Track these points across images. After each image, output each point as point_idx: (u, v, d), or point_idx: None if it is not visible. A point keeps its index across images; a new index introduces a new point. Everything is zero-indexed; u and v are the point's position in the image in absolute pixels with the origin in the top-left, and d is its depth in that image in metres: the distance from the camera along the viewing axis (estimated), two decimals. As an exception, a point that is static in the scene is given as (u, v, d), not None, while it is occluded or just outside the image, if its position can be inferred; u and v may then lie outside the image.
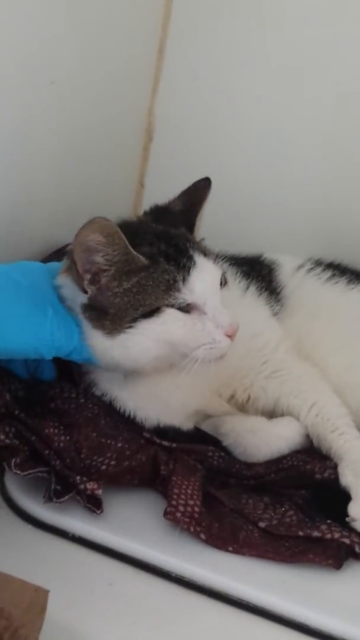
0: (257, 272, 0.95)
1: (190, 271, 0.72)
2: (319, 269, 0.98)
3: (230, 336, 0.72)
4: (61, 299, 0.74)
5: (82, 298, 0.72)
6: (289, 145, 1.16)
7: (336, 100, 1.11)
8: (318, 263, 0.99)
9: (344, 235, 1.14)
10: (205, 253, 0.75)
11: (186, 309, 0.71)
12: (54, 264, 0.79)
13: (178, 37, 1.17)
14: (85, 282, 0.71)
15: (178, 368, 0.74)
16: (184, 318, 0.71)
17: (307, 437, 0.82)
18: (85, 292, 0.72)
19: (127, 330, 0.70)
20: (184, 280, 0.71)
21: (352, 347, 0.88)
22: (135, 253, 0.71)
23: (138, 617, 0.64)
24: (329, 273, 0.97)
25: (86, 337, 0.73)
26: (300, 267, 0.98)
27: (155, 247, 0.73)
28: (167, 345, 0.71)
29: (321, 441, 0.81)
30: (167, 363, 0.75)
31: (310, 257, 1.00)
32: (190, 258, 0.73)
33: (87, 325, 0.72)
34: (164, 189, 0.83)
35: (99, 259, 0.70)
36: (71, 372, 0.83)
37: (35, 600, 0.54)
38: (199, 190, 0.81)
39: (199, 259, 0.73)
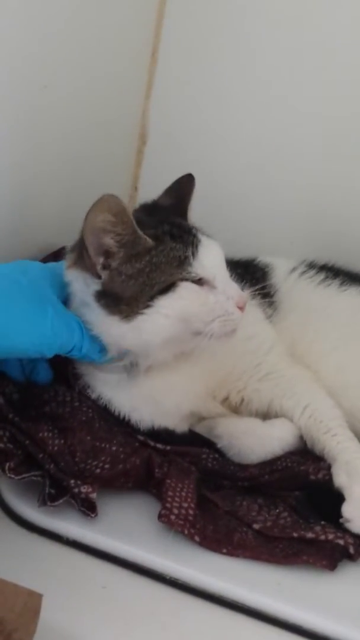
0: (250, 274, 0.95)
1: (198, 247, 0.73)
2: (312, 272, 0.98)
3: (241, 308, 0.73)
4: (71, 295, 0.74)
5: (96, 285, 0.72)
6: (282, 148, 1.16)
7: (329, 105, 1.12)
8: (311, 265, 0.99)
9: (338, 237, 1.14)
10: (206, 234, 0.77)
11: (198, 283, 0.72)
12: (52, 264, 0.79)
13: (171, 41, 1.17)
14: (99, 267, 0.71)
15: (176, 366, 0.75)
16: (199, 290, 0.72)
17: (301, 438, 0.82)
18: (99, 277, 0.72)
19: (145, 310, 0.70)
20: (193, 255, 0.72)
21: (345, 348, 0.89)
22: (141, 233, 0.71)
23: (132, 620, 0.64)
24: (322, 275, 0.97)
25: (98, 326, 0.72)
26: (293, 269, 0.99)
27: (160, 229, 0.74)
28: (182, 322, 0.71)
29: (315, 442, 0.81)
30: (178, 348, 0.75)
31: (304, 260, 1.01)
32: (195, 236, 0.74)
33: (101, 313, 0.72)
34: (157, 193, 0.83)
35: (108, 240, 0.70)
36: (66, 375, 0.83)
37: (29, 604, 0.54)
38: (184, 186, 0.82)
39: (203, 237, 0.75)
